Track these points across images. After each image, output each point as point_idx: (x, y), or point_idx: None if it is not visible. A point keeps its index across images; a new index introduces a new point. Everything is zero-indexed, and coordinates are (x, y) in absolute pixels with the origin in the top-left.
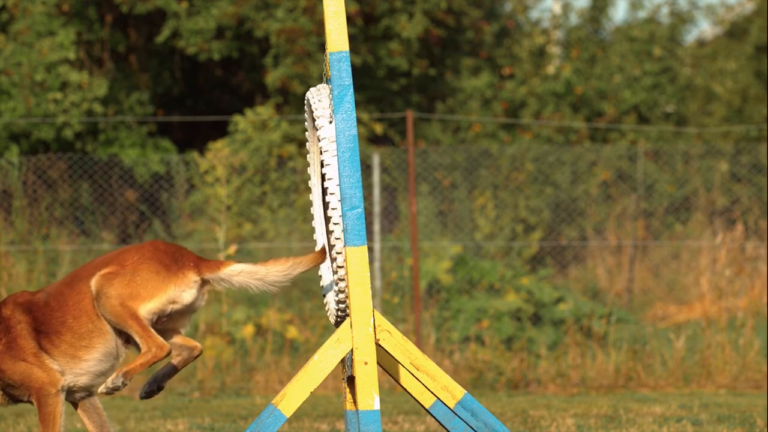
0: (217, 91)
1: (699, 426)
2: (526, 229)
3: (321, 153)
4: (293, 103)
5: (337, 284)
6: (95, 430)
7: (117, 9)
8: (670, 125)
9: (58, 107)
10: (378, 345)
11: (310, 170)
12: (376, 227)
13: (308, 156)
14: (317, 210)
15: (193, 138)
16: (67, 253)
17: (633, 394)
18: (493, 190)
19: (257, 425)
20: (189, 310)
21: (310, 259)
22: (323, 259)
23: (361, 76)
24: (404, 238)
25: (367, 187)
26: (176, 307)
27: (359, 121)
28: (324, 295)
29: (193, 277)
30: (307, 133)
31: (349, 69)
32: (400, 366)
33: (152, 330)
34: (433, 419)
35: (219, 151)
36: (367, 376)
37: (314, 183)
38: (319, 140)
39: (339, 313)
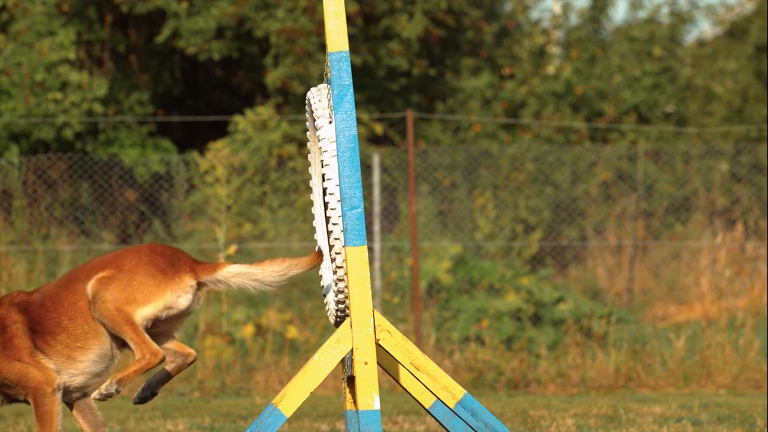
0: (217, 91)
1: (699, 426)
2: (526, 229)
3: (321, 153)
4: (293, 103)
5: (336, 284)
6: (90, 430)
7: (117, 9)
8: (670, 125)
9: (58, 107)
10: (378, 345)
11: (311, 170)
12: (376, 227)
13: (309, 156)
14: (318, 210)
15: (193, 138)
16: (67, 253)
17: (633, 394)
18: (493, 190)
19: (257, 425)
20: (184, 314)
21: (307, 261)
22: (319, 262)
23: (361, 76)
24: (404, 238)
25: (367, 187)
26: (172, 312)
27: (359, 121)
28: (324, 295)
29: (189, 282)
30: (308, 133)
31: (349, 69)
32: (400, 366)
33: (147, 336)
34: (433, 419)
35: (219, 151)
36: (367, 376)
37: (315, 183)
38: (318, 140)
39: (338, 314)
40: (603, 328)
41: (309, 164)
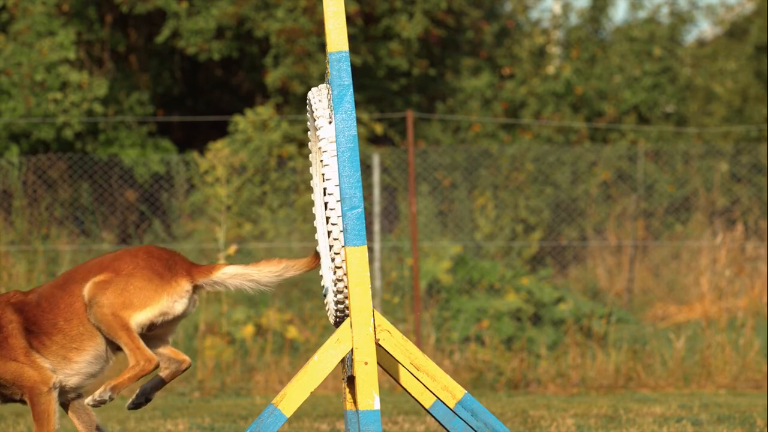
0: (217, 91)
1: (699, 426)
2: (526, 229)
3: (321, 153)
4: (293, 103)
5: (335, 284)
6: (85, 431)
7: (117, 9)
8: (670, 125)
9: (58, 107)
10: (378, 345)
11: (312, 170)
12: (376, 227)
13: (310, 156)
14: (319, 210)
15: (193, 138)
16: (67, 253)
17: (633, 394)
18: (493, 190)
19: (257, 425)
20: (179, 318)
21: (304, 263)
22: (316, 265)
23: (361, 76)
24: (404, 238)
25: (367, 187)
26: (167, 317)
27: (359, 121)
28: (324, 295)
29: (185, 286)
30: (309, 132)
31: (349, 69)
32: (400, 366)
33: (142, 343)
34: (433, 419)
35: (219, 151)
36: (367, 376)
37: (316, 183)
38: (318, 140)
39: (338, 314)
40: (603, 328)
41: (309, 164)
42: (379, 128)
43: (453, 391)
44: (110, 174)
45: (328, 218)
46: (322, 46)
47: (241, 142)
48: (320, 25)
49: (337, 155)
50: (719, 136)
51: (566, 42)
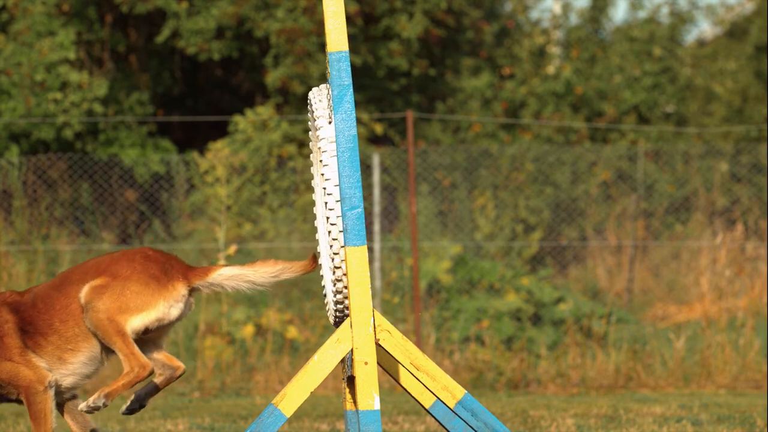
0: (217, 91)
1: (699, 426)
2: (526, 229)
3: (320, 153)
4: (293, 103)
5: (335, 284)
6: (80, 431)
7: (117, 9)
8: (670, 125)
9: (58, 107)
10: (378, 345)
11: (313, 170)
12: (376, 227)
13: (311, 156)
14: (320, 210)
15: (193, 138)
16: (67, 253)
17: (633, 394)
18: (493, 190)
19: (257, 425)
20: (174, 323)
21: (301, 266)
22: (313, 268)
23: (361, 76)
24: (404, 238)
25: (367, 187)
26: (163, 323)
27: (359, 121)
28: (325, 295)
29: (182, 291)
30: (310, 132)
31: (349, 69)
32: (400, 366)
33: (137, 349)
34: (433, 419)
35: (219, 151)
36: (367, 376)
37: (317, 183)
38: (318, 140)
39: (337, 314)
40: (603, 328)
41: (309, 164)
42: (379, 128)
43: (453, 391)
44: (110, 174)
45: (327, 218)
46: (322, 46)
47: (241, 142)
48: (320, 25)
49: (337, 155)
50: (719, 136)
51: (566, 42)
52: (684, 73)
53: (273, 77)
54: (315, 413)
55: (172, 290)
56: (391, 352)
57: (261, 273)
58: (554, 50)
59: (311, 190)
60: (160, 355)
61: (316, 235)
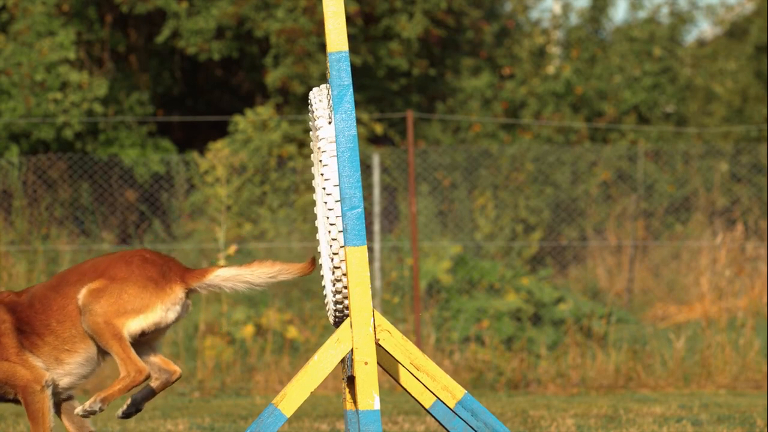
0: (217, 91)
1: (699, 426)
2: (526, 229)
3: (320, 153)
4: (293, 103)
5: (335, 284)
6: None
7: (117, 9)
8: (670, 125)
9: (58, 107)
10: (378, 345)
11: (313, 170)
12: (376, 227)
13: (311, 156)
14: (320, 210)
15: (193, 138)
16: (67, 253)
17: (633, 394)
18: (493, 190)
19: (257, 425)
20: (171, 325)
21: (299, 268)
22: (311, 271)
23: (361, 76)
24: (404, 238)
25: (367, 187)
26: (160, 326)
27: (359, 121)
28: (325, 295)
29: (179, 294)
30: (310, 132)
31: (349, 69)
32: (400, 366)
33: (133, 353)
34: (433, 419)
35: (219, 151)
36: (367, 376)
37: (317, 183)
38: (318, 140)
39: (337, 314)
40: (603, 328)
41: (309, 164)
42: (379, 128)
43: (453, 391)
44: (110, 174)
45: (327, 218)
46: (322, 46)
47: (241, 142)
48: (320, 25)
49: (337, 155)
50: (719, 136)
51: (566, 42)
52: (684, 73)
53: (273, 77)
54: (315, 413)
55: (169, 293)
56: (391, 352)
57: (258, 274)
58: (554, 50)
59: (311, 190)
60: (156, 359)
61: (317, 235)
